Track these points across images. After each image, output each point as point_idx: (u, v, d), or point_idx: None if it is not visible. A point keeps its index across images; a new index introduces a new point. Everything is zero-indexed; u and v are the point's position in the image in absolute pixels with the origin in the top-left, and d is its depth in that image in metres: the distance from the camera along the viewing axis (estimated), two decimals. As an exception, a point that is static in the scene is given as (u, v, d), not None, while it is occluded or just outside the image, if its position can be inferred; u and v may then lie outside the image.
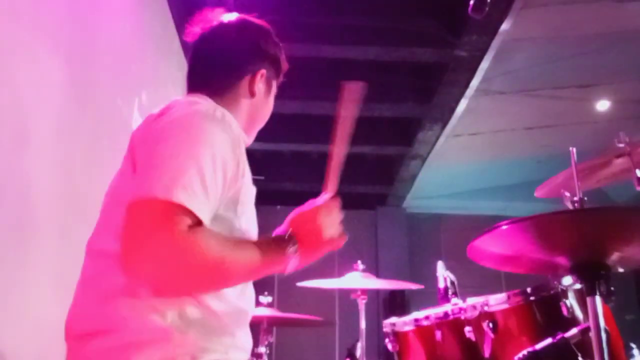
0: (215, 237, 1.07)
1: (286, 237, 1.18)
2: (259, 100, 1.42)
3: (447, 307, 1.81)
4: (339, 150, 1.32)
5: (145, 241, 0.99)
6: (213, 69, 1.38)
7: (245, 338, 1.22)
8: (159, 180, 1.03)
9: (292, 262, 1.17)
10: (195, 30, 1.43)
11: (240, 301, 1.21)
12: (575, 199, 1.51)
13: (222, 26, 1.42)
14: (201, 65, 1.41)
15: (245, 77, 1.38)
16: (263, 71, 1.41)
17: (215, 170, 1.09)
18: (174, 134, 1.12)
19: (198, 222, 1.04)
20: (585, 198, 1.51)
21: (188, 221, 1.02)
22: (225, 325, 1.15)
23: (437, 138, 6.12)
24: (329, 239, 1.22)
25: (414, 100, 5.63)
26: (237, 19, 1.45)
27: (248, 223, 1.24)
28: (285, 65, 1.49)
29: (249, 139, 1.42)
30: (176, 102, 1.23)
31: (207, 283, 1.09)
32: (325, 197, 1.27)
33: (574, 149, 1.57)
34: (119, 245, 1.02)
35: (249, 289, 1.26)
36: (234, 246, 1.11)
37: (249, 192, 1.25)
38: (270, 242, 1.19)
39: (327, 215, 1.23)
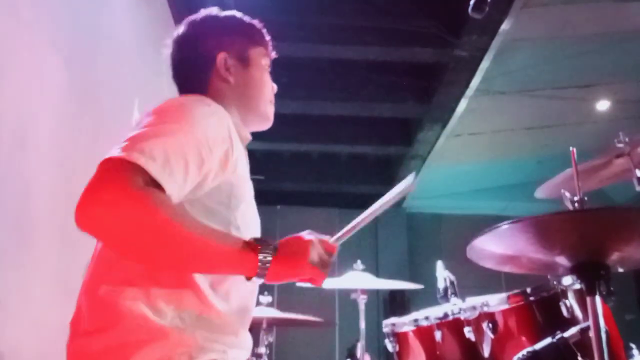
0: (169, 202, 1.02)
1: (264, 241, 1.09)
2: (240, 80, 1.37)
3: (446, 307, 1.81)
4: (364, 221, 1.26)
5: (96, 192, 0.98)
6: (184, 71, 1.40)
7: (246, 336, 1.22)
8: (123, 145, 1.03)
9: (260, 268, 1.06)
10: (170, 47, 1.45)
11: (248, 301, 1.23)
12: (576, 199, 1.51)
13: (177, 36, 1.43)
14: (175, 71, 1.42)
15: (211, 69, 1.36)
16: (222, 54, 1.37)
17: (187, 145, 1.07)
18: (155, 112, 1.13)
19: (154, 184, 1.01)
20: (586, 198, 1.51)
21: (140, 180, 0.99)
22: (230, 324, 1.16)
23: (437, 138, 6.12)
24: (310, 267, 1.11)
25: (414, 100, 5.63)
26: (185, 23, 1.44)
27: (245, 218, 1.22)
28: (252, 27, 1.43)
29: (258, 121, 1.41)
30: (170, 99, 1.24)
31: (151, 245, 1.01)
32: (329, 239, 1.20)
33: (574, 149, 1.57)
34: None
35: (254, 288, 1.26)
36: (188, 216, 1.05)
37: (244, 186, 1.23)
38: (240, 238, 1.09)
39: (320, 248, 1.14)
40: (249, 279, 1.09)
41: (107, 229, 0.98)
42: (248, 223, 1.24)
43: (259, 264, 1.06)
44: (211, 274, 1.13)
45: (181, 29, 1.44)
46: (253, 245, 1.07)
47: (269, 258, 1.06)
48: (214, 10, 1.45)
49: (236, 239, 1.08)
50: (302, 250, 1.11)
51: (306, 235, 1.15)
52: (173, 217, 1.00)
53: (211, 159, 1.10)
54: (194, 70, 1.38)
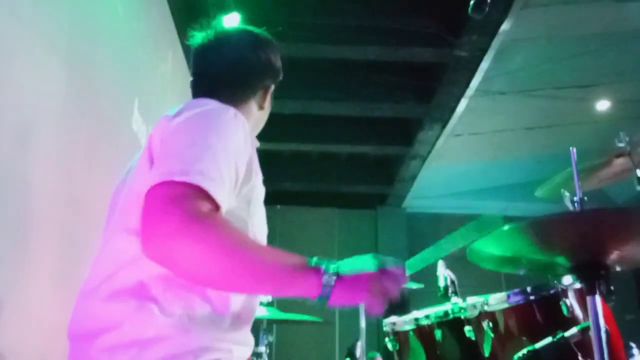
0: (235, 226, 1.04)
1: (328, 262, 1.05)
2: (265, 111, 1.46)
3: (447, 307, 1.81)
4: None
5: (163, 221, 0.97)
6: (231, 84, 1.39)
7: (249, 333, 1.23)
8: (175, 166, 1.03)
9: (324, 290, 1.02)
10: (204, 36, 1.43)
11: (253, 298, 1.24)
12: (576, 198, 1.51)
13: (239, 39, 1.44)
14: (217, 77, 1.40)
15: (258, 93, 1.42)
16: (272, 87, 1.45)
17: (229, 160, 1.09)
18: (189, 127, 1.14)
19: (216, 207, 1.02)
20: (585, 198, 1.51)
21: (207, 204, 1.00)
22: (237, 319, 1.16)
23: (437, 138, 6.12)
24: (370, 296, 1.06)
25: (414, 100, 5.63)
26: (250, 33, 1.46)
27: (259, 223, 1.25)
28: (281, 75, 1.50)
29: None
30: (191, 103, 1.24)
31: (222, 271, 1.01)
32: (399, 269, 1.14)
33: (574, 149, 1.57)
34: (135, 236, 1.02)
35: None
36: (254, 241, 1.09)
37: (260, 191, 1.26)
38: (302, 259, 1.05)
39: (384, 279, 1.08)
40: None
41: (178, 259, 0.99)
42: (261, 228, 1.27)
43: (322, 287, 1.02)
44: (275, 295, 1.12)
45: (241, 33, 1.46)
46: (316, 268, 1.04)
47: (332, 283, 1.03)
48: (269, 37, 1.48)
49: (299, 260, 1.05)
50: (363, 279, 1.06)
51: (372, 263, 1.10)
52: (240, 242, 1.02)
53: (243, 172, 1.14)
54: (245, 86, 1.40)
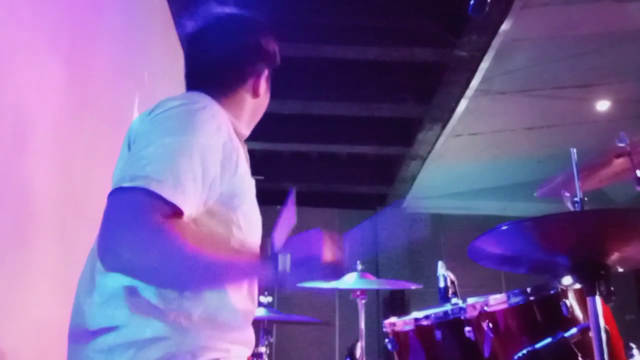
0: (187, 229, 1.02)
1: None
2: (262, 98, 1.42)
3: (447, 307, 1.81)
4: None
5: (114, 231, 0.95)
6: (218, 71, 1.36)
7: (250, 332, 1.23)
8: (127, 172, 1.01)
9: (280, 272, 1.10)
10: (193, 24, 1.40)
11: (251, 297, 1.24)
12: (576, 199, 1.51)
13: (225, 25, 1.40)
14: (204, 66, 1.38)
15: (250, 79, 1.38)
16: (266, 72, 1.41)
17: (191, 156, 1.05)
18: (151, 129, 1.12)
19: (171, 207, 0.99)
20: (586, 198, 1.51)
21: (156, 209, 0.97)
22: (234, 321, 1.16)
23: (437, 138, 6.12)
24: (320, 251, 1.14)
25: (414, 100, 5.63)
26: (238, 17, 1.43)
27: (247, 217, 1.22)
28: (279, 59, 1.46)
29: (247, 131, 1.42)
30: (162, 102, 1.22)
31: (178, 275, 1.01)
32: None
33: (574, 149, 1.57)
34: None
35: (255, 288, 1.27)
36: (206, 239, 1.06)
37: (246, 184, 1.23)
38: (257, 258, 1.14)
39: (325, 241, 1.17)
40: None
41: (134, 269, 0.98)
42: (250, 222, 1.24)
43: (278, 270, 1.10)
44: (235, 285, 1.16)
45: (230, 18, 1.41)
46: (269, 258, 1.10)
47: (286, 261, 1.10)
48: (261, 19, 1.45)
49: (253, 258, 1.12)
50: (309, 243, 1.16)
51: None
52: (196, 246, 0.99)
53: (216, 166, 1.10)
54: (235, 73, 1.37)
